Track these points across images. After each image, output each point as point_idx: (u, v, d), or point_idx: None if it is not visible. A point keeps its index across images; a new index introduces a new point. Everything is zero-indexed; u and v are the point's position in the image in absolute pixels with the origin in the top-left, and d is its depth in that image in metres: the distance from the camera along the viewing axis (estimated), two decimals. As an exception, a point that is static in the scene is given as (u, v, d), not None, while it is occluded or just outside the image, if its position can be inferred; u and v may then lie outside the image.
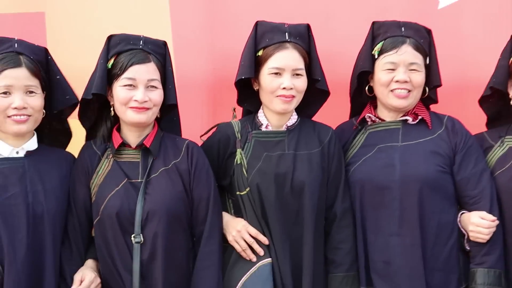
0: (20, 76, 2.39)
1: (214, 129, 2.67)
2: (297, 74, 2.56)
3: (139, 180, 2.45)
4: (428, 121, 2.66)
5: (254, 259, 2.52)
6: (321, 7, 3.09)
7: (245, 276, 2.49)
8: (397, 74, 2.60)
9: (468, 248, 2.59)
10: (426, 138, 2.62)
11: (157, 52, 2.51)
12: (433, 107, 2.78)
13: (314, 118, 2.74)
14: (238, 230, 2.52)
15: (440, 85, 2.72)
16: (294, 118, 2.65)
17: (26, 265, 2.34)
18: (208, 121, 3.00)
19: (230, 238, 2.54)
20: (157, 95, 2.47)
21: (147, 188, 2.44)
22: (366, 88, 2.70)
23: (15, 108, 2.37)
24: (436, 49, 2.71)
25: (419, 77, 2.62)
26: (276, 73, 2.55)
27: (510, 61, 2.67)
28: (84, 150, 2.55)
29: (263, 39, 2.59)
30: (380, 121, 2.69)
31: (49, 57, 2.53)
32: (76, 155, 2.57)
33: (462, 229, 2.59)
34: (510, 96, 2.68)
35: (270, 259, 2.51)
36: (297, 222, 2.53)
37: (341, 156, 2.64)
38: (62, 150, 2.60)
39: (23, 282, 2.33)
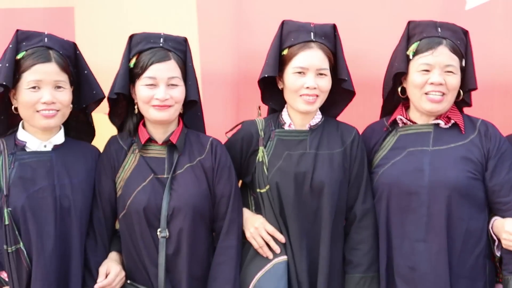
0: (49, 71, 2.41)
1: (238, 127, 2.69)
2: (321, 74, 2.57)
3: (165, 176, 2.49)
4: (462, 126, 2.59)
5: (270, 256, 2.53)
6: (349, 7, 3.09)
7: (260, 272, 2.52)
8: (432, 76, 2.54)
9: (498, 255, 2.55)
10: (458, 143, 2.57)
11: (177, 49, 2.53)
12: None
13: (339, 118, 2.73)
14: (256, 227, 2.55)
15: (475, 89, 2.64)
16: (318, 118, 2.65)
17: (53, 256, 2.39)
18: (232, 118, 3.02)
19: (248, 235, 2.57)
20: (179, 92, 2.50)
21: (172, 184, 2.47)
22: (399, 89, 2.64)
23: (44, 103, 2.40)
24: (472, 51, 2.64)
25: (455, 80, 2.56)
26: (300, 72, 2.56)
27: None
28: (110, 144, 2.58)
29: (288, 38, 2.60)
30: (411, 123, 2.64)
31: (78, 52, 2.56)
32: (101, 149, 2.60)
33: (493, 235, 2.55)
34: None
35: (285, 257, 2.53)
36: (315, 222, 2.54)
37: (363, 157, 2.63)
38: (88, 143, 2.63)
39: (51, 273, 2.38)
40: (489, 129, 2.60)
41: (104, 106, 2.62)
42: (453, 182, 2.50)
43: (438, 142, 2.58)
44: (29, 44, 2.44)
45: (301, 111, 2.60)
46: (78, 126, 2.61)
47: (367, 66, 2.87)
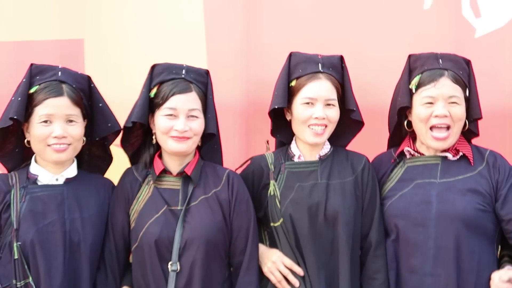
0: (61, 105, 2.43)
1: (248, 162, 2.69)
2: (330, 104, 2.58)
3: (178, 208, 2.47)
4: (470, 158, 2.58)
5: None
6: (356, 38, 3.09)
7: None
8: (436, 109, 2.53)
9: None
10: (466, 175, 2.56)
11: (199, 81, 2.54)
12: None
13: (347, 148, 2.73)
14: (273, 261, 2.53)
15: (480, 118, 2.64)
16: (326, 148, 2.66)
17: (61, 291, 2.38)
18: (241, 149, 3.04)
19: (265, 269, 2.55)
20: (198, 125, 2.50)
21: (186, 216, 2.46)
22: (405, 122, 2.64)
23: (55, 137, 2.41)
24: (475, 80, 2.64)
25: (459, 111, 2.55)
26: (308, 103, 2.57)
27: None
28: (125, 176, 2.58)
29: (297, 69, 2.62)
30: (419, 155, 2.64)
31: (92, 85, 2.56)
32: (115, 181, 2.61)
33: None
34: None
35: None
36: (332, 252, 2.53)
37: (375, 184, 2.62)
38: (101, 176, 2.63)
39: (58, 309, 2.37)
40: (498, 160, 2.59)
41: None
42: (460, 214, 2.49)
43: (445, 174, 2.57)
44: (43, 78, 2.46)
45: (309, 143, 2.61)
46: (90, 160, 2.62)
47: (375, 96, 2.87)
